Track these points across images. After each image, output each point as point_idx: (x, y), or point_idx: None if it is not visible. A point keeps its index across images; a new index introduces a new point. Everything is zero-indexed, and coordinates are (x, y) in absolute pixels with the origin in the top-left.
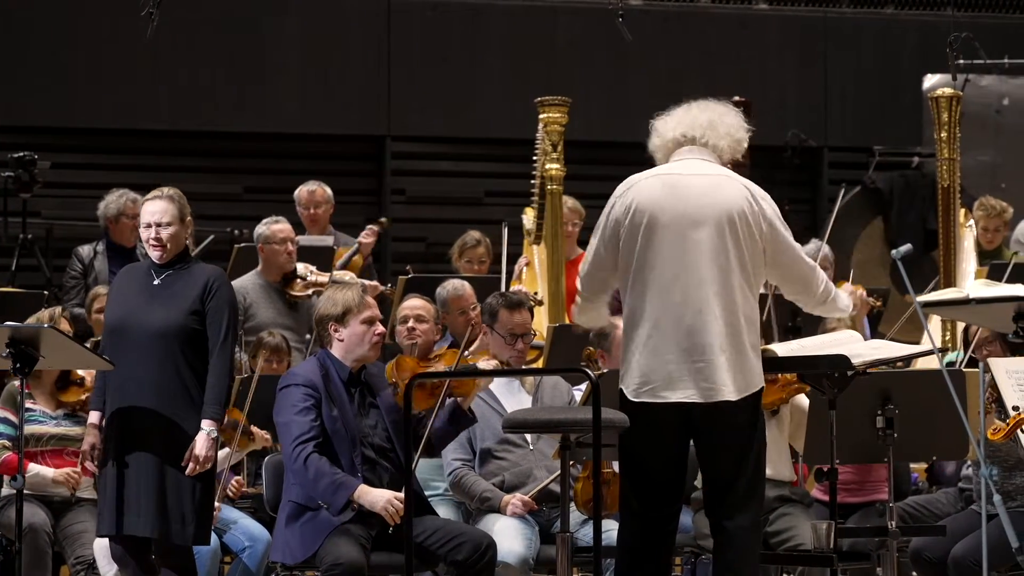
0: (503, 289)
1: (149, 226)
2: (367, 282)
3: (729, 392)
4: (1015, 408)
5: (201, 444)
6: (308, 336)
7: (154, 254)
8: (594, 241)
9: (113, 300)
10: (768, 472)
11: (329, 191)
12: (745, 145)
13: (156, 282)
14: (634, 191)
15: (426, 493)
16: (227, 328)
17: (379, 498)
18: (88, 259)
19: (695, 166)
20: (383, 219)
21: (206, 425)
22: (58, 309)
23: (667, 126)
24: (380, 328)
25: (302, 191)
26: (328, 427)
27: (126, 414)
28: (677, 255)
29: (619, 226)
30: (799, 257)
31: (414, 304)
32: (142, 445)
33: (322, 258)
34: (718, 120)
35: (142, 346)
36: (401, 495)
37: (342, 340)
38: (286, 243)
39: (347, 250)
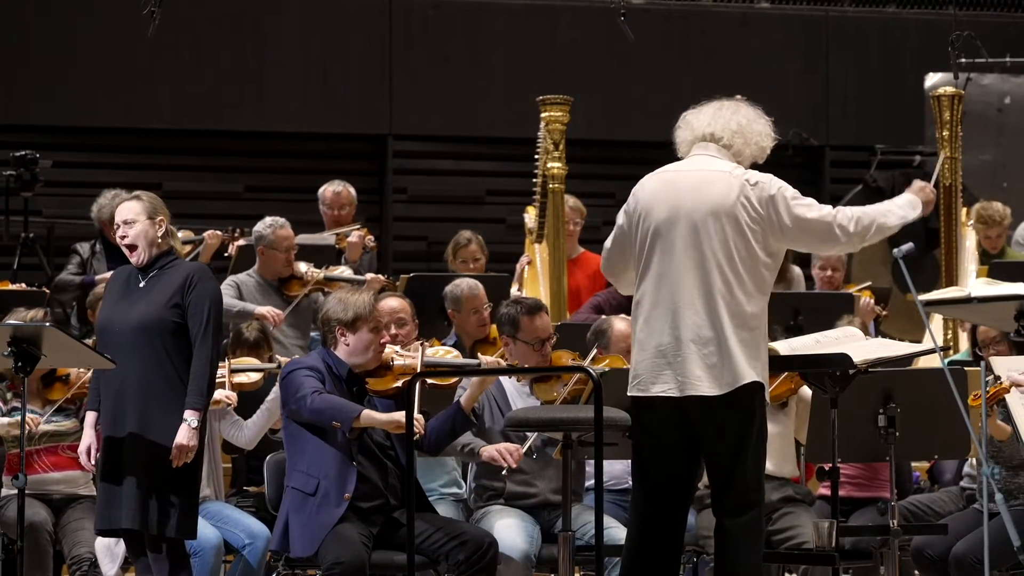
0: (513, 289)
1: (118, 227)
2: (371, 276)
3: (706, 387)
4: (997, 378)
5: (183, 435)
6: (312, 335)
7: (132, 259)
8: (612, 234)
9: (103, 302)
10: (770, 468)
11: (354, 192)
12: (768, 151)
13: (141, 284)
14: (639, 188)
15: (425, 493)
16: (207, 319)
17: (392, 416)
18: (87, 257)
19: (698, 162)
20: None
21: (188, 416)
22: (40, 311)
23: (699, 121)
24: (385, 336)
25: (327, 191)
26: None
27: (113, 410)
28: (665, 252)
29: (626, 222)
30: (814, 226)
31: (392, 306)
32: (129, 440)
33: (322, 256)
34: (747, 126)
35: (125, 343)
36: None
37: (348, 344)
38: (289, 251)
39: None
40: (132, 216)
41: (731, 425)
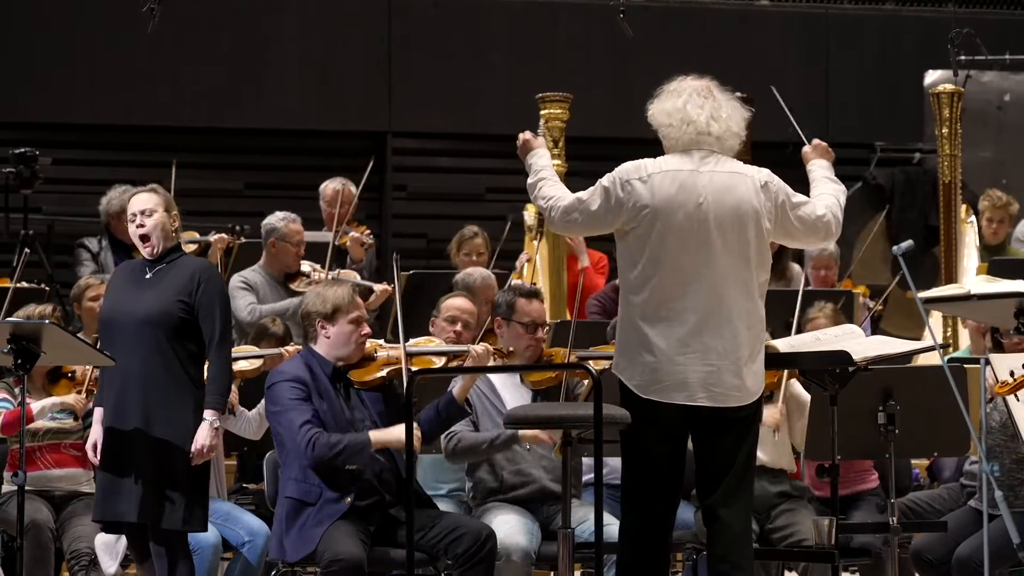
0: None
1: (134, 216)
2: (376, 285)
3: (739, 397)
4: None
5: (204, 434)
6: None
7: (144, 249)
8: (596, 199)
9: (107, 295)
10: (765, 459)
11: (355, 190)
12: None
13: (148, 276)
14: (649, 184)
15: (429, 492)
16: (221, 319)
17: (401, 432)
18: (96, 251)
19: (707, 161)
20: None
21: (208, 415)
22: (49, 307)
23: (701, 118)
24: (366, 328)
25: (328, 188)
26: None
27: (117, 402)
28: (689, 255)
29: (618, 208)
30: (814, 225)
31: (463, 306)
32: (132, 432)
33: (323, 254)
34: (739, 123)
35: (129, 334)
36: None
37: (328, 338)
38: (300, 245)
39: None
40: (150, 207)
41: (744, 424)
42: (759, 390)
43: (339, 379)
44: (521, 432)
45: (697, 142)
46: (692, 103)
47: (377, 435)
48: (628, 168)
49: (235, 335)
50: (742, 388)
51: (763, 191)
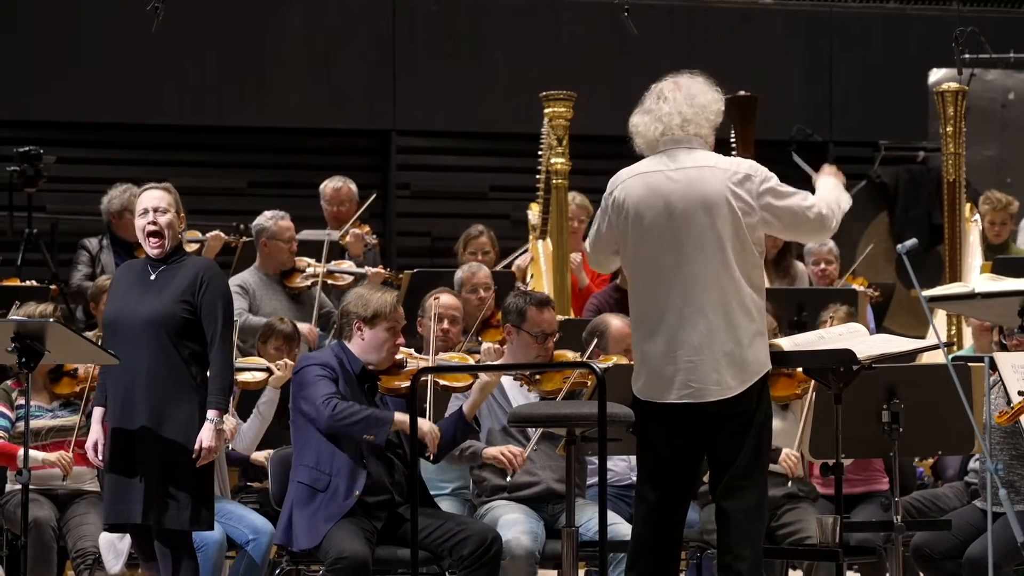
0: (518, 284)
1: (146, 212)
2: (372, 270)
3: (723, 390)
4: (1020, 393)
5: (207, 435)
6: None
7: (152, 248)
8: (594, 228)
9: (110, 296)
10: (774, 466)
11: (355, 188)
12: (723, 113)
13: (152, 277)
14: (620, 190)
15: (433, 492)
16: (223, 319)
17: (423, 424)
18: (95, 252)
19: (677, 158)
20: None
21: (212, 415)
22: (50, 306)
23: (647, 127)
24: (400, 339)
25: (327, 187)
26: None
27: (121, 404)
28: (663, 255)
29: (611, 224)
30: (801, 217)
31: (448, 303)
32: (136, 433)
33: (321, 251)
34: (688, 110)
35: (133, 336)
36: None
37: (363, 340)
38: (291, 242)
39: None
40: (164, 205)
41: (741, 414)
42: (746, 383)
43: (366, 380)
44: (485, 451)
45: (656, 145)
46: (643, 114)
47: (402, 416)
48: (611, 180)
49: (240, 342)
50: (721, 382)
51: (735, 180)
